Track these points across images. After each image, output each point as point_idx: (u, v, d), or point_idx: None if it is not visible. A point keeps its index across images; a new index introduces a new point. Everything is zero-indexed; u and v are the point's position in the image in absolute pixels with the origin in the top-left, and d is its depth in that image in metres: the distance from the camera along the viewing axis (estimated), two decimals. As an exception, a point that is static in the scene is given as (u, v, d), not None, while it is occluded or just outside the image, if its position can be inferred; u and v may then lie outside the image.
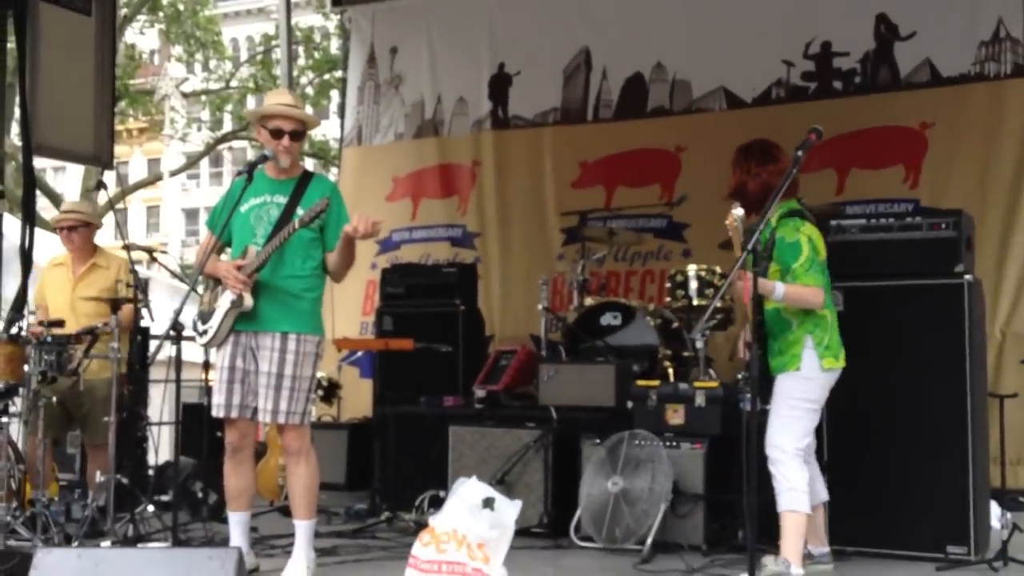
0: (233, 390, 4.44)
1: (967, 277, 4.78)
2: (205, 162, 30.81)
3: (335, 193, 4.52)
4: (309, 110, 4.67)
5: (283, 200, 4.47)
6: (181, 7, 19.24)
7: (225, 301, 4.40)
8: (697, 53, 7.87)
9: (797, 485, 4.26)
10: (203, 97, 22.09)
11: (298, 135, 4.51)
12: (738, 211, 4.07)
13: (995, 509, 4.96)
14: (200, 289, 4.69)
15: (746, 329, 4.27)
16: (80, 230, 5.89)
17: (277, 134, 4.47)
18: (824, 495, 4.52)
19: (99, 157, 7.47)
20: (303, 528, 4.46)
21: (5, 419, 4.97)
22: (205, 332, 4.48)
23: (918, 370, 4.78)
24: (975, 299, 4.82)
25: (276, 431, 5.11)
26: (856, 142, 7.16)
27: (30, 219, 6.74)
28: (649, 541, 4.79)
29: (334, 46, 18.68)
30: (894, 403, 4.79)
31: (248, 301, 4.36)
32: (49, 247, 7.86)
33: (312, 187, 4.50)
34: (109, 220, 6.85)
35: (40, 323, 5.19)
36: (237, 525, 4.54)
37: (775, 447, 4.32)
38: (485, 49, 8.71)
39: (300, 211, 4.40)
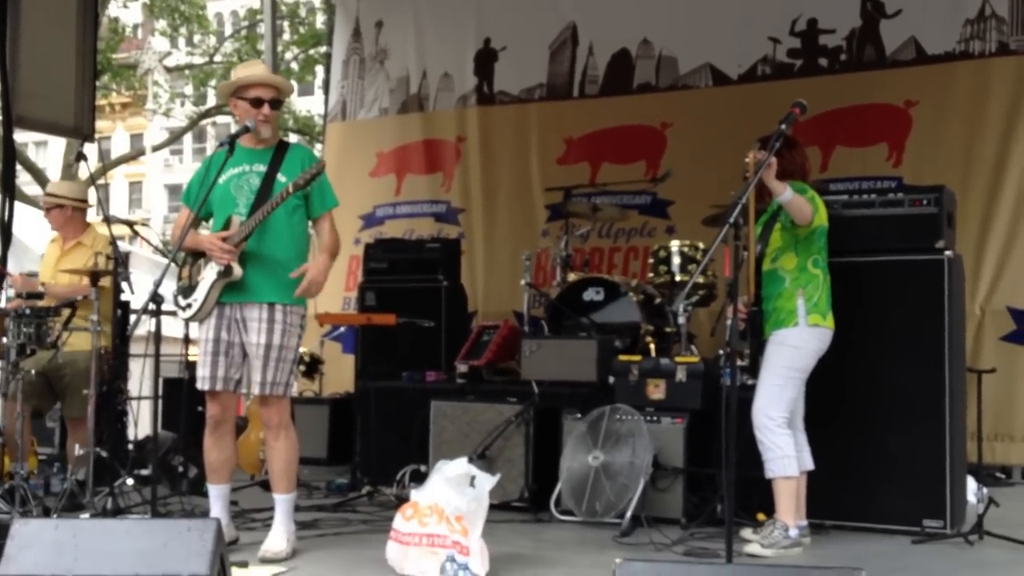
0: (218, 362, 4.43)
1: (947, 253, 4.80)
2: (188, 138, 30.63)
3: (314, 157, 4.52)
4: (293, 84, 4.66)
5: (263, 169, 4.45)
6: (165, -20, 19.08)
7: (211, 273, 4.37)
8: (683, 29, 7.86)
9: (787, 451, 4.43)
10: (187, 72, 21.92)
11: (277, 103, 4.50)
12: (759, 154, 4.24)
13: (971, 484, 5.01)
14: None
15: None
16: (54, 212, 5.92)
17: (257, 103, 4.46)
18: (809, 463, 4.58)
19: (80, 129, 7.43)
20: (283, 502, 4.46)
21: (-17, 392, 4.95)
22: (188, 306, 4.45)
23: (897, 345, 4.81)
24: (955, 275, 4.84)
25: (257, 405, 5.10)
26: (841, 120, 7.18)
27: (10, 192, 6.71)
28: (629, 514, 4.81)
29: (319, 21, 18.57)
30: (873, 377, 4.82)
31: (238, 271, 4.33)
32: (33, 222, 7.83)
33: (291, 155, 4.48)
34: (90, 195, 6.82)
35: (18, 295, 5.15)
36: (217, 498, 4.53)
37: (764, 415, 4.42)
38: (471, 24, 8.68)
39: (281, 177, 4.38)
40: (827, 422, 4.75)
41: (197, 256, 4.46)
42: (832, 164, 7.12)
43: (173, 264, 4.53)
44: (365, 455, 6.19)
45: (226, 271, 4.33)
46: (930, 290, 4.77)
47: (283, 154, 4.47)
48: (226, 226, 4.39)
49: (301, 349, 5.00)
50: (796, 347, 4.50)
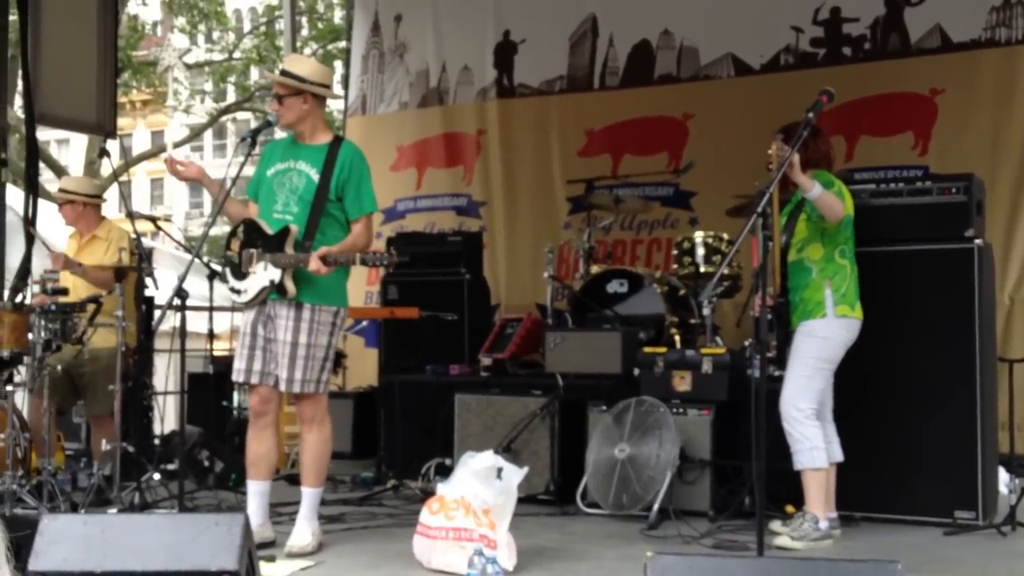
0: (254, 356, 4.44)
1: (977, 242, 4.75)
2: (208, 134, 30.73)
3: (356, 158, 4.47)
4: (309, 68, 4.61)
5: (306, 168, 4.43)
6: (183, -23, 19.13)
7: (265, 277, 4.36)
8: (705, 19, 7.79)
9: (816, 443, 4.39)
10: (206, 68, 21.97)
11: (280, 97, 4.48)
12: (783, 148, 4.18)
13: (1003, 475, 4.95)
14: (205, 252, 4.66)
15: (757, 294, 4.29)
16: (66, 207, 5.95)
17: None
18: (839, 455, 4.54)
19: (102, 126, 7.46)
20: (310, 495, 4.45)
21: (10, 388, 4.97)
22: (238, 292, 4.46)
23: (927, 335, 4.76)
24: (985, 264, 4.79)
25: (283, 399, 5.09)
26: (866, 109, 7.10)
27: (33, 190, 6.74)
28: (656, 507, 4.78)
29: (337, 16, 18.56)
30: (903, 368, 4.77)
31: (292, 291, 4.34)
32: (56, 220, 7.86)
33: (338, 157, 4.44)
34: (113, 191, 6.84)
35: (44, 291, 5.18)
36: (253, 495, 4.48)
37: (792, 406, 4.39)
38: (490, 17, 8.64)
39: (331, 184, 4.38)
40: (856, 413, 4.70)
41: (251, 241, 4.43)
42: (857, 153, 7.05)
43: (197, 259, 4.54)
44: (389, 449, 6.19)
45: (281, 287, 4.33)
46: (960, 279, 4.72)
47: (335, 156, 4.43)
48: (284, 234, 4.36)
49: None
50: (824, 338, 4.46)
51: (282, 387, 4.42)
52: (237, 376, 4.48)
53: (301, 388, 4.38)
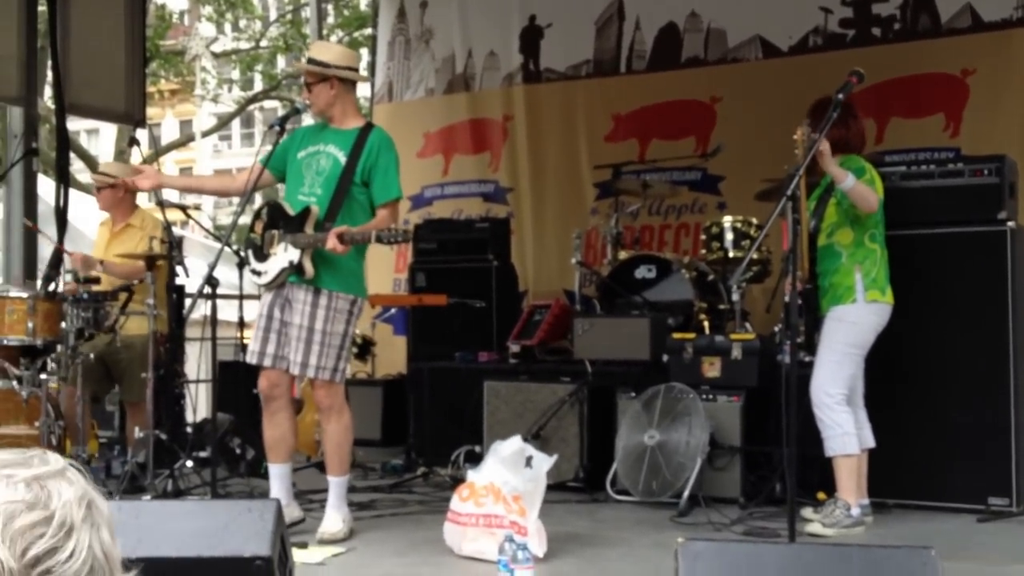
0: (268, 339, 4.46)
1: (1010, 224, 4.70)
2: (236, 123, 30.85)
3: (385, 143, 4.47)
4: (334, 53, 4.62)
5: (334, 151, 4.44)
6: (210, -34, 19.17)
7: (284, 258, 4.38)
8: (732, 1, 7.71)
9: (848, 429, 4.36)
10: (233, 57, 22.04)
11: (310, 84, 4.49)
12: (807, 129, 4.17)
13: (1037, 460, 4.90)
14: (234, 239, 4.69)
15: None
16: (105, 192, 5.94)
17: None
18: (871, 441, 4.51)
19: (131, 115, 7.52)
20: (335, 484, 4.48)
21: (44, 376, 5.02)
22: (258, 273, 4.49)
23: (960, 319, 4.73)
24: (1018, 247, 4.73)
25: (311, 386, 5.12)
26: (896, 90, 7.00)
27: (64, 179, 6.80)
28: (686, 494, 4.77)
29: (363, 3, 18.55)
30: (936, 353, 4.74)
31: (310, 271, 4.35)
32: (85, 208, 7.93)
33: (367, 142, 4.45)
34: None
35: (76, 280, 5.22)
36: (275, 478, 4.54)
37: (823, 392, 4.36)
38: (515, 1, 8.60)
39: (357, 167, 4.39)
40: (888, 399, 4.67)
41: (273, 222, 4.46)
42: (888, 135, 6.96)
43: (226, 248, 4.57)
44: (419, 436, 6.21)
45: (299, 267, 4.34)
46: (993, 262, 4.68)
47: (364, 142, 4.43)
48: (305, 215, 4.38)
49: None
50: (854, 323, 4.43)
51: (295, 371, 4.43)
52: (251, 358, 4.52)
53: (315, 374, 4.39)
